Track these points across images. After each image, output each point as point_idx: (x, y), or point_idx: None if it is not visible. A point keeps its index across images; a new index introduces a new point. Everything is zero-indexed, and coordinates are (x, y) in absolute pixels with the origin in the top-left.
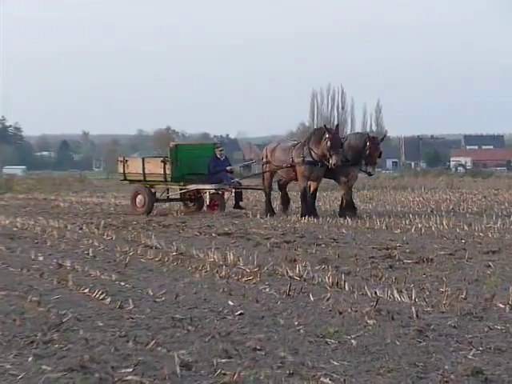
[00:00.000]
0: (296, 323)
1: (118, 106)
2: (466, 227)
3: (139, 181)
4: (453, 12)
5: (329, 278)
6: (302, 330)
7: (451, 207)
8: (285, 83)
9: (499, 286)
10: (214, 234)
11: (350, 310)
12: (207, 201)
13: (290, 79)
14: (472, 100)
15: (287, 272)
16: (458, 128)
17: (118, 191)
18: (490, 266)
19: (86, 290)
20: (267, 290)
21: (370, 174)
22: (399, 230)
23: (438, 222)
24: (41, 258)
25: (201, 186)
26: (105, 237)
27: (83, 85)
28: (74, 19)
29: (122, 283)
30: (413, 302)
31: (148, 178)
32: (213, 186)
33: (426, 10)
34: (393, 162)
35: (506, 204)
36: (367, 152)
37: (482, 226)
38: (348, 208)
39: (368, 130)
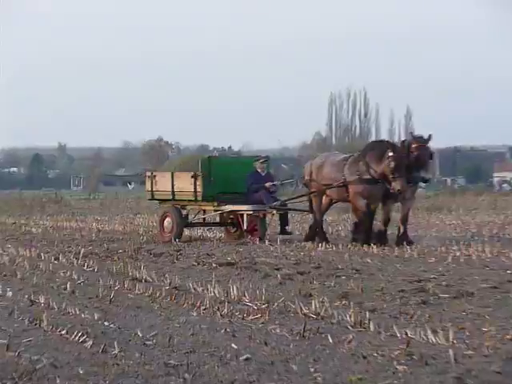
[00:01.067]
0: (312, 370)
1: (100, 113)
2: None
3: (168, 200)
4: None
5: (350, 316)
6: (319, 378)
7: (495, 232)
8: (297, 86)
9: None
10: (214, 264)
11: (375, 354)
12: (245, 225)
13: (304, 82)
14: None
15: (301, 309)
16: (503, 138)
17: (100, 214)
18: None
19: (64, 332)
20: (278, 330)
21: (425, 181)
22: (434, 259)
23: (480, 249)
24: (10, 294)
25: (236, 207)
26: (85, 268)
27: (59, 91)
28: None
29: (106, 323)
30: (450, 344)
31: (177, 197)
32: (250, 207)
33: (465, 12)
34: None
35: None
36: (414, 156)
37: None
38: (403, 236)
39: (396, 140)
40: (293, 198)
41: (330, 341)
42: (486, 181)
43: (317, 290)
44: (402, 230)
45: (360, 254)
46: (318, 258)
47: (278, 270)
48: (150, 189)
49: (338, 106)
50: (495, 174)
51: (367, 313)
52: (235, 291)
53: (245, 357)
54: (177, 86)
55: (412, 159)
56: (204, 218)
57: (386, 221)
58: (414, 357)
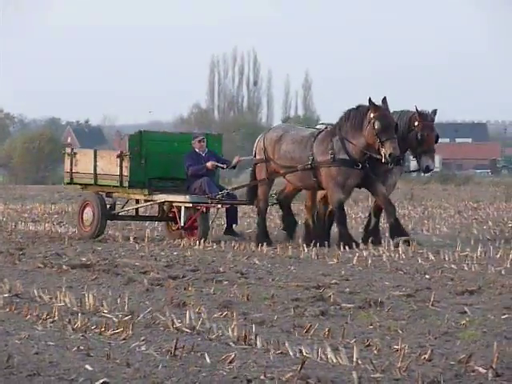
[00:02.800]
0: None
1: None
2: (431, 256)
3: (89, 184)
4: None
5: (233, 329)
6: None
7: (411, 227)
8: (172, 48)
9: (478, 342)
10: (65, 267)
11: (263, 377)
12: (182, 220)
13: (179, 43)
14: (436, 76)
15: (173, 322)
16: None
17: None
18: (465, 312)
19: None
20: (143, 347)
21: (428, 170)
22: (335, 261)
23: (392, 248)
24: None
25: (172, 198)
26: None
27: None
28: None
29: None
30: (354, 364)
31: (100, 182)
32: (189, 198)
33: None
34: None
35: (490, 223)
36: (418, 136)
37: (455, 255)
38: (397, 231)
39: (293, 114)
40: (242, 186)
41: (208, 360)
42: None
43: (192, 299)
44: (372, 223)
45: (246, 254)
46: (194, 258)
47: (144, 273)
48: (68, 169)
49: (221, 73)
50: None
51: (254, 326)
52: (91, 300)
53: (101, 381)
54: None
55: (413, 139)
56: (137, 210)
57: (378, 210)
58: (310, 380)
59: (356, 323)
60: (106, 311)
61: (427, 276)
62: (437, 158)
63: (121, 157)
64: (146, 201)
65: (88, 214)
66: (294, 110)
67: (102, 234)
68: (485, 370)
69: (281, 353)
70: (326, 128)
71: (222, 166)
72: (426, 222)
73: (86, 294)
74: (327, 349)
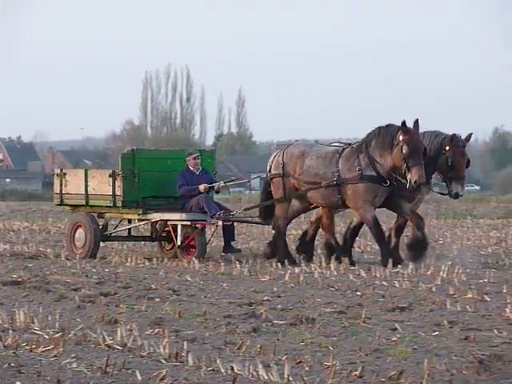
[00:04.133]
0: None
1: None
2: (363, 273)
3: (81, 206)
4: None
5: (165, 347)
6: None
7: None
8: (106, 62)
9: (409, 359)
10: None
11: None
12: (179, 239)
13: (115, 58)
14: (368, 94)
15: (104, 339)
16: (354, 131)
17: None
18: (396, 329)
19: None
20: (74, 364)
21: (456, 196)
22: (268, 278)
23: (324, 265)
24: None
25: (168, 216)
26: None
27: None
28: None
29: None
30: (285, 381)
31: (92, 202)
32: (186, 216)
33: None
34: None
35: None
36: (449, 162)
37: (387, 272)
38: (415, 247)
39: (226, 131)
40: (256, 206)
41: (139, 378)
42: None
43: (124, 316)
44: (392, 243)
45: (178, 271)
46: (126, 275)
47: (75, 290)
48: (58, 191)
49: (154, 89)
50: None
51: (185, 343)
52: (22, 317)
53: None
54: None
55: (443, 164)
56: (129, 230)
57: (400, 230)
58: None
59: (287, 340)
60: (37, 328)
61: (358, 293)
62: None
63: (113, 176)
64: (139, 220)
65: (81, 235)
66: (227, 126)
67: (96, 256)
68: None
69: (212, 370)
70: (350, 145)
71: (214, 189)
72: (357, 239)
73: (16, 311)
74: (258, 365)
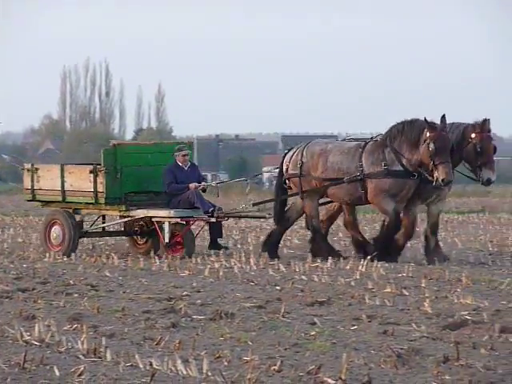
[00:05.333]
0: None
1: None
2: (282, 268)
3: (56, 202)
4: None
5: (83, 342)
6: None
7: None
8: (23, 59)
9: (328, 353)
10: None
11: None
12: (166, 237)
13: (31, 53)
14: (292, 87)
15: (22, 335)
16: (274, 126)
17: None
18: (315, 323)
19: None
20: None
21: (490, 182)
22: (187, 273)
23: (244, 260)
24: None
25: (154, 213)
26: None
27: None
28: None
29: None
30: (204, 376)
31: (70, 199)
32: (174, 213)
33: None
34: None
35: (340, 234)
36: (477, 148)
37: (306, 267)
38: (435, 250)
39: (146, 125)
40: (266, 201)
41: (57, 373)
42: (254, 176)
43: (42, 311)
44: (432, 242)
45: (97, 267)
46: (44, 271)
47: None
48: (29, 186)
49: (73, 83)
50: (265, 168)
51: (104, 339)
52: None
53: None
54: None
55: (470, 152)
56: (103, 226)
57: (435, 223)
58: None
59: (207, 335)
60: None
61: (278, 287)
62: None
63: (95, 172)
64: (122, 217)
65: (57, 232)
66: (146, 121)
67: (74, 252)
68: (334, 381)
69: (131, 365)
70: (372, 139)
71: (203, 188)
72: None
73: None
74: (177, 361)
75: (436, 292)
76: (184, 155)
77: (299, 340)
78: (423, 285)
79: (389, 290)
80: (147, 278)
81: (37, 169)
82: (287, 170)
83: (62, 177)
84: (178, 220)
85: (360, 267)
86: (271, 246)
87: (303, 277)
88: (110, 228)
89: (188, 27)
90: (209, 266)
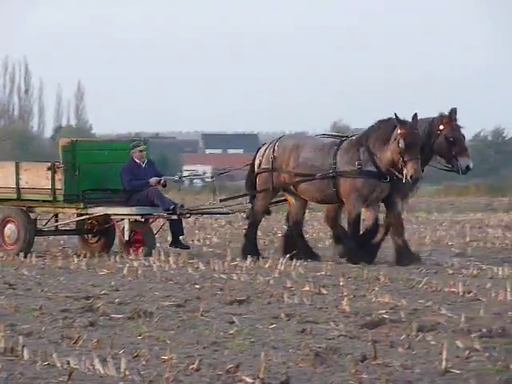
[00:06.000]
0: None
1: None
2: (201, 266)
3: (9, 200)
4: None
5: (0, 341)
6: None
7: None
8: None
9: (246, 352)
10: None
11: None
12: (125, 235)
13: None
14: (211, 87)
15: None
16: (195, 124)
17: None
18: (234, 322)
19: None
20: None
21: (468, 170)
22: (106, 271)
23: (163, 258)
24: None
25: (114, 210)
26: None
27: None
28: None
29: None
30: (122, 375)
31: (25, 196)
32: (134, 211)
33: None
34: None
35: (260, 233)
36: (450, 138)
37: (225, 265)
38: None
39: (65, 123)
40: (234, 197)
41: None
42: (173, 175)
43: None
44: (378, 239)
45: (14, 265)
46: None
47: None
48: None
49: None
50: (185, 168)
51: (21, 337)
52: None
53: None
54: None
55: (442, 142)
56: (60, 224)
57: (389, 227)
58: None
59: (125, 334)
60: None
61: (197, 286)
62: (209, 168)
63: (53, 169)
64: (79, 215)
65: (11, 230)
66: (66, 119)
67: (30, 251)
68: (252, 380)
69: (48, 364)
70: (347, 137)
71: (163, 183)
72: (196, 232)
73: None
74: (95, 360)
75: (354, 291)
76: (141, 151)
77: (218, 339)
78: (341, 283)
79: (307, 288)
80: (65, 276)
81: None
82: (260, 164)
83: (17, 174)
84: (139, 218)
85: (279, 266)
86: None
87: (222, 275)
88: (66, 227)
89: (107, 24)
90: (127, 265)
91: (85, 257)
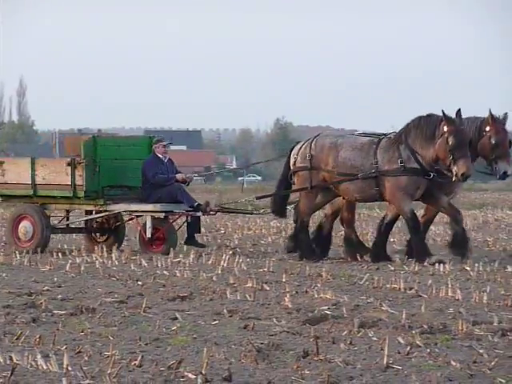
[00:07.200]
0: None
1: None
2: (144, 263)
3: (25, 197)
4: None
5: None
6: None
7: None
8: None
9: (189, 348)
10: None
11: None
12: (147, 232)
13: None
14: (155, 84)
15: None
16: (138, 120)
17: None
18: (176, 318)
19: None
20: None
21: (506, 176)
22: (48, 268)
23: (105, 254)
24: None
25: (136, 207)
26: None
27: None
28: None
29: None
30: (65, 371)
31: (42, 193)
32: (159, 207)
33: None
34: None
35: (203, 229)
36: (492, 141)
37: (168, 262)
38: (460, 243)
39: (7, 119)
40: (270, 195)
41: None
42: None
43: None
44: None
45: None
46: None
47: None
48: None
49: None
50: None
51: None
52: None
53: None
54: None
55: (486, 145)
56: (76, 221)
57: (459, 217)
58: None
59: (68, 330)
60: None
61: (140, 282)
62: None
63: (73, 164)
64: (98, 212)
65: (27, 227)
66: (8, 115)
67: (46, 248)
68: (194, 376)
69: None
70: (384, 135)
71: (188, 180)
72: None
73: None
74: (38, 356)
75: (297, 287)
76: (164, 146)
77: (160, 335)
78: (284, 280)
79: (250, 284)
80: (7, 272)
81: (1, 162)
82: (295, 162)
83: (33, 170)
84: (161, 215)
85: (222, 262)
86: (321, 239)
87: (165, 272)
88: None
89: (49, 24)
90: (70, 261)
91: (27, 253)
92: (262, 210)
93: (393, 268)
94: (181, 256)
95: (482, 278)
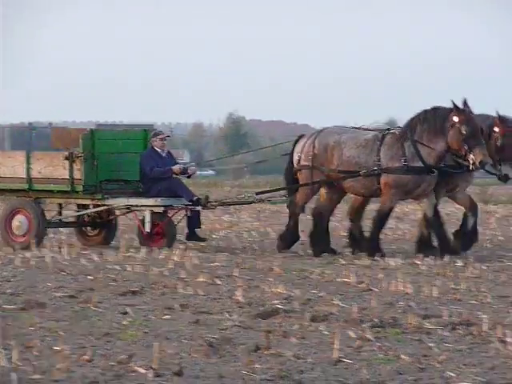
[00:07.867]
0: None
1: None
2: (95, 257)
3: (19, 191)
4: None
5: None
6: None
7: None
8: None
9: (139, 342)
10: None
11: None
12: (146, 227)
13: None
14: (107, 77)
15: None
16: (89, 114)
17: None
18: (127, 312)
19: None
20: None
21: (507, 179)
22: None
23: (56, 249)
24: None
25: (135, 202)
26: None
27: None
28: None
29: None
30: (14, 366)
31: (38, 187)
32: (159, 202)
33: None
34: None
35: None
36: (498, 143)
37: (119, 256)
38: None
39: None
40: (270, 191)
41: None
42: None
43: None
44: (425, 233)
45: None
46: None
47: None
48: None
49: None
50: None
51: None
52: None
53: None
54: None
55: (492, 146)
56: (76, 215)
57: (475, 209)
58: None
59: (17, 324)
60: None
61: (90, 277)
62: None
63: (71, 158)
64: (96, 206)
65: (21, 222)
66: None
67: (41, 243)
68: (145, 371)
69: None
70: (389, 130)
71: (188, 172)
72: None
73: None
74: None
75: (248, 281)
76: (162, 139)
77: (111, 329)
78: (236, 274)
79: (202, 279)
80: None
81: None
82: (299, 161)
83: (28, 164)
84: (161, 209)
85: (173, 257)
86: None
87: (116, 266)
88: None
89: (22, 14)
90: (20, 256)
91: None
92: (264, 197)
93: (344, 262)
94: (132, 250)
95: (431, 272)
